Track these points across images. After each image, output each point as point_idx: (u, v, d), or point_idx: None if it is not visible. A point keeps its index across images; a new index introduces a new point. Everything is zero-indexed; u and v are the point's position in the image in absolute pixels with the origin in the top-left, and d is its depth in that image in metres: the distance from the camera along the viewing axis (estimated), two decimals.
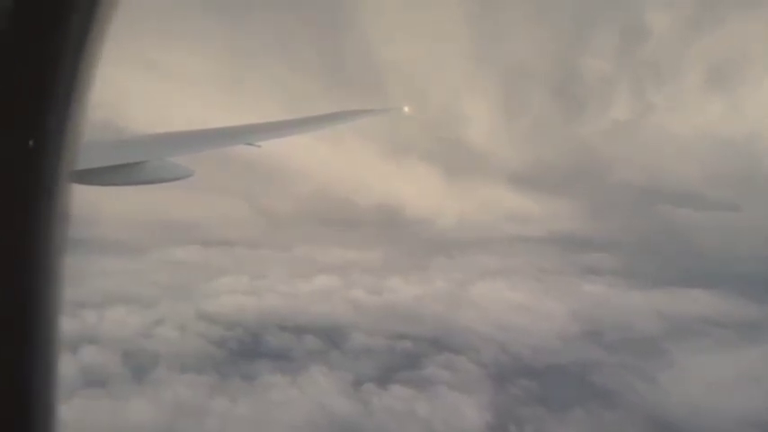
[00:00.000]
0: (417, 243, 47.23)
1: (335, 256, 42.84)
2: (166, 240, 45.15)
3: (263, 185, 50.26)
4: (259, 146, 11.13)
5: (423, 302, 33.56)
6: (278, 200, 51.93)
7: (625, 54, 55.11)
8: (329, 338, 28.47)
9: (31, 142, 1.15)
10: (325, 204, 52.61)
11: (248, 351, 26.69)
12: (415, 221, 49.99)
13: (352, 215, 51.51)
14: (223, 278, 36.36)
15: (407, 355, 27.05)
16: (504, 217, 50.66)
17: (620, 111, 54.11)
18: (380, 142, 53.16)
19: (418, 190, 51.96)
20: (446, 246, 46.90)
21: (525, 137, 55.79)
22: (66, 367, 23.22)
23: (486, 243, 47.04)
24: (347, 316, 31.65)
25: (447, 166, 54.04)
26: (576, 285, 36.75)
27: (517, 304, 33.40)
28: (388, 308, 32.94)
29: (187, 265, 40.10)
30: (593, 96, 55.40)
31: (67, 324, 25.04)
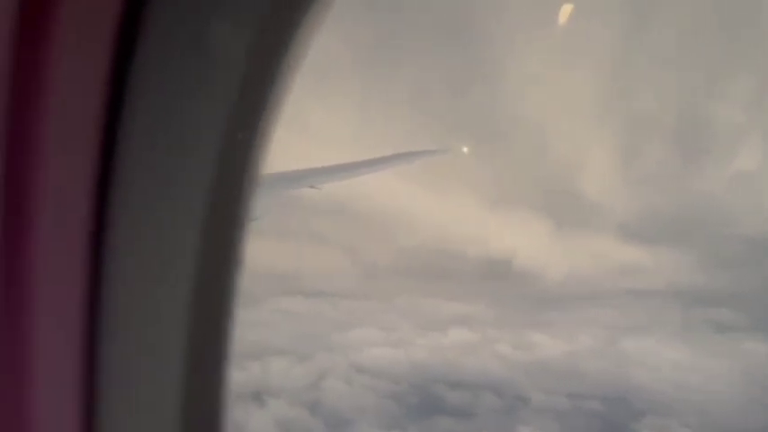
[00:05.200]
0: (532, 296, 45.70)
1: (451, 308, 41.56)
2: (267, 290, 44.65)
3: (348, 232, 49.72)
4: (320, 188, 10.39)
5: (577, 359, 31.96)
6: (369, 248, 51.24)
7: (758, 103, 53.78)
8: (503, 395, 27.17)
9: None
10: (426, 254, 51.87)
11: (428, 407, 25.52)
12: (524, 274, 48.66)
13: (455, 266, 50.49)
14: (354, 330, 35.49)
15: (603, 417, 25.47)
16: (619, 270, 48.96)
17: (746, 161, 52.59)
18: (486, 191, 52.50)
19: (527, 241, 50.79)
20: (564, 299, 45.17)
21: (643, 187, 54.51)
22: (264, 421, 22.48)
23: (607, 297, 45.13)
24: (506, 372, 30.17)
25: (558, 217, 52.91)
26: (727, 343, 34.75)
27: (679, 362, 31.56)
28: (543, 364, 31.42)
29: (305, 317, 39.41)
30: (719, 146, 54.07)
31: (240, 375, 24.45)
